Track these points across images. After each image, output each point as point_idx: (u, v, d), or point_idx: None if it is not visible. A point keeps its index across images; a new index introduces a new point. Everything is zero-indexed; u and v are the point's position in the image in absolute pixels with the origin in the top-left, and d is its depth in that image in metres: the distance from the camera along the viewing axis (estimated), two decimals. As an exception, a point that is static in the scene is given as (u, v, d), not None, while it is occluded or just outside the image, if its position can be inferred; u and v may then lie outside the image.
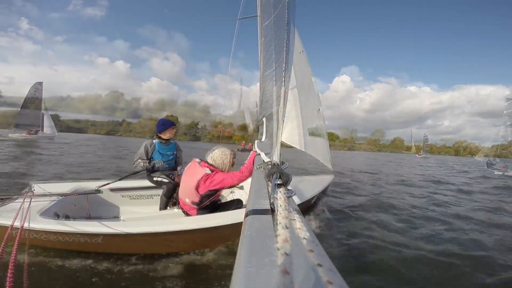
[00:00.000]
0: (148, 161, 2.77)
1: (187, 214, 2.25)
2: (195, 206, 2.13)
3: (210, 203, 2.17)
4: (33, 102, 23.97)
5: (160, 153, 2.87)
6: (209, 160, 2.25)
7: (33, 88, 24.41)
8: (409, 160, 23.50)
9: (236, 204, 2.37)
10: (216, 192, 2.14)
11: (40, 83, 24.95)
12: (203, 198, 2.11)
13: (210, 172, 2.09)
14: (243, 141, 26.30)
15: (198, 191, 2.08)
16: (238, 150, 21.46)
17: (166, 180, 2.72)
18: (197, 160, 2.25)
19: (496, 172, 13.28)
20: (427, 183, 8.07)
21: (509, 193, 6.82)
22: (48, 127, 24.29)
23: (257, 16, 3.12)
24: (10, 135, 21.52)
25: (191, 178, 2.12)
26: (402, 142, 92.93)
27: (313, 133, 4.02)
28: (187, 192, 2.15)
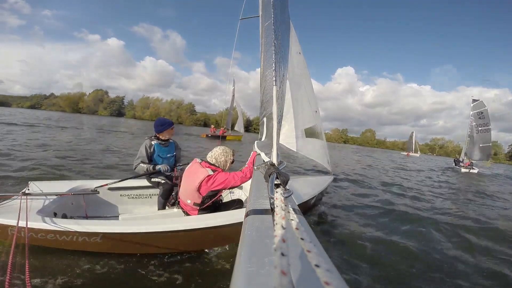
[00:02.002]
0: (152, 166, 2.65)
1: (187, 214, 2.24)
2: (197, 207, 2.12)
3: (209, 209, 2.15)
4: None
5: (160, 156, 2.76)
6: (211, 159, 2.23)
7: None
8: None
9: (236, 204, 2.35)
10: (217, 192, 2.13)
11: None
12: (205, 199, 2.09)
13: (212, 172, 2.07)
14: (213, 126, 23.40)
15: (200, 192, 2.06)
16: (207, 136, 20.53)
17: (163, 181, 2.65)
18: (198, 160, 2.23)
19: (462, 170, 15.21)
20: (425, 179, 8.11)
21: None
22: None
23: (258, 16, 3.11)
24: None
25: (192, 179, 2.10)
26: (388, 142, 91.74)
27: (310, 134, 4.01)
28: (188, 193, 2.13)
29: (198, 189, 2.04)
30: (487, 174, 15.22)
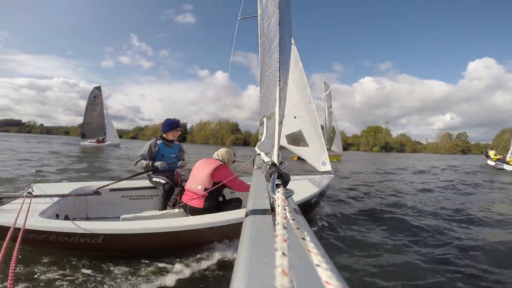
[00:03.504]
0: (151, 162, 2.73)
1: (188, 214, 2.27)
2: (205, 193, 2.29)
3: (214, 199, 2.39)
4: (94, 109, 22.48)
5: (164, 156, 2.84)
6: (217, 157, 2.55)
7: (92, 94, 22.49)
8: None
9: (235, 202, 2.52)
10: (224, 184, 2.35)
11: (98, 88, 22.69)
12: (213, 186, 2.30)
13: (222, 163, 2.43)
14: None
15: (212, 177, 2.30)
16: (298, 159, 15.55)
17: (164, 181, 2.68)
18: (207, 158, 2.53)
19: (488, 162, 15.83)
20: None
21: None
22: (112, 136, 22.76)
23: (257, 16, 3.11)
24: (81, 143, 21.21)
25: (206, 167, 2.37)
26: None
27: (294, 142, 3.97)
28: (200, 179, 2.34)
29: (211, 174, 2.30)
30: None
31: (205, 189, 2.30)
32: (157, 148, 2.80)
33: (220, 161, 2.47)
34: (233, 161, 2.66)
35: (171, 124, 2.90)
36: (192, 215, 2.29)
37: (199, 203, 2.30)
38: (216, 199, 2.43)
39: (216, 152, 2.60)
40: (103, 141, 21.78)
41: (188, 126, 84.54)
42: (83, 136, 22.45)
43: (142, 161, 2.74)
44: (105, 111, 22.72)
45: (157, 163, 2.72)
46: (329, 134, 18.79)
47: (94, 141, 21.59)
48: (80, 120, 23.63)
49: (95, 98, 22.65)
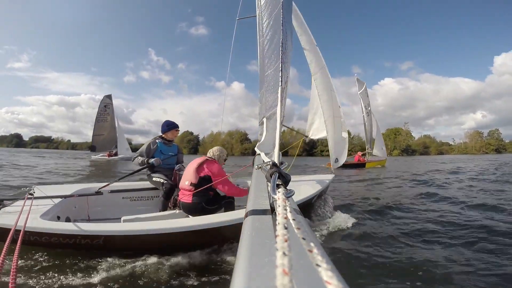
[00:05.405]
0: (146, 159, 2.85)
1: (188, 215, 2.29)
2: (192, 188, 2.33)
3: (203, 194, 2.38)
4: (105, 119, 20.73)
5: (161, 152, 2.95)
6: (208, 154, 2.65)
7: (102, 103, 20.81)
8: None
9: (228, 197, 2.58)
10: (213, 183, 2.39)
11: (109, 97, 21.00)
12: (201, 181, 2.35)
13: (209, 158, 2.51)
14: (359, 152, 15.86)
15: (197, 172, 2.36)
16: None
17: (165, 181, 2.75)
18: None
19: None
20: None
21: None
22: (124, 148, 20.42)
23: (255, 16, 3.12)
24: (92, 157, 19.40)
25: (193, 164, 2.45)
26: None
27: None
28: (187, 175, 2.42)
29: (197, 169, 2.37)
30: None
31: (191, 184, 2.35)
32: (155, 146, 2.92)
33: (210, 157, 2.55)
34: (225, 159, 2.75)
35: (170, 125, 3.04)
36: (184, 211, 2.39)
37: (188, 198, 2.33)
38: (206, 194, 2.40)
39: (209, 150, 2.70)
40: (115, 154, 19.69)
41: (200, 138, 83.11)
42: (93, 149, 20.55)
43: (139, 157, 2.86)
44: (116, 121, 20.77)
45: (152, 160, 2.83)
46: (370, 136, 16.38)
47: (105, 154, 19.69)
48: (105, 134, 21.79)
49: (105, 108, 20.91)
